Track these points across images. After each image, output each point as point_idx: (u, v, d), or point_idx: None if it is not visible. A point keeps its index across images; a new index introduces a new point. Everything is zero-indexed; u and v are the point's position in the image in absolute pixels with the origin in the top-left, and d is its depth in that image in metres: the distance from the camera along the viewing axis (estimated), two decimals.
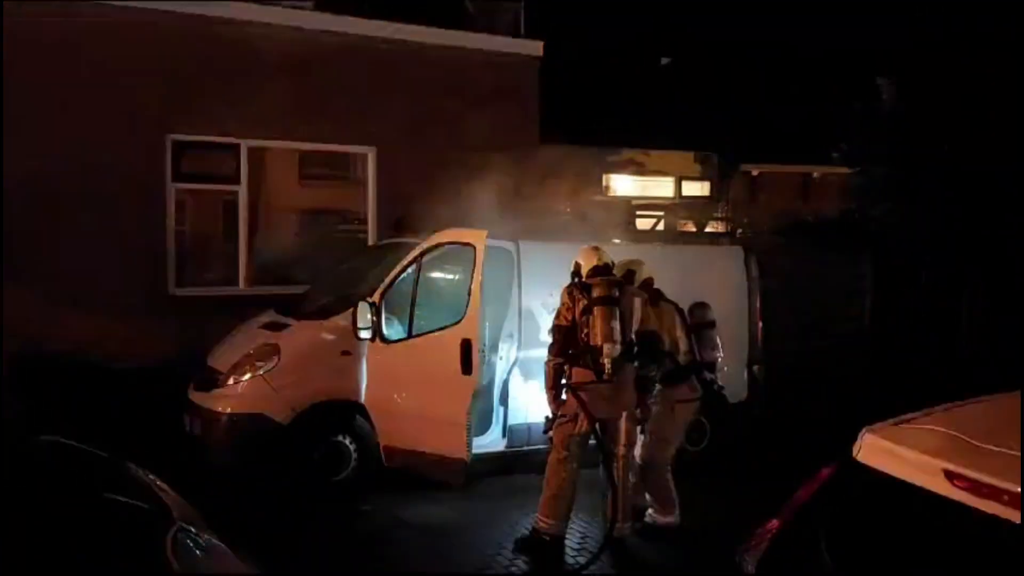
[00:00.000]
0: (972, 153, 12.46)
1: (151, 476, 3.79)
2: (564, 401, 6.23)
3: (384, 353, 7.21)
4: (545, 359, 6.38)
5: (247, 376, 7.25)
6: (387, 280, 7.31)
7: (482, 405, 7.34)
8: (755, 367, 8.83)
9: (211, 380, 7.46)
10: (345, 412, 7.30)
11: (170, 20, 10.28)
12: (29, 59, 9.61)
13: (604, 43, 19.20)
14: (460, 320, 6.96)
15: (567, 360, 6.20)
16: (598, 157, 16.44)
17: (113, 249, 9.93)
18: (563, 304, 6.25)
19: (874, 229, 13.48)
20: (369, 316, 7.06)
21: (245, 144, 10.87)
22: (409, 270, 7.29)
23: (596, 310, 6.08)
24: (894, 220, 13.19)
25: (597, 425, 6.20)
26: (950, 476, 2.78)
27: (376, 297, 7.19)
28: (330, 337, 7.35)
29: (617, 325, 6.07)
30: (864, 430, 3.29)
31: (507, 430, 7.63)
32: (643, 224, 16.33)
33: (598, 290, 6.16)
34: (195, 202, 10.77)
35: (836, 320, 13.63)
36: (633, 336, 6.28)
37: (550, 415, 6.33)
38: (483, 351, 7.02)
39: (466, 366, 6.82)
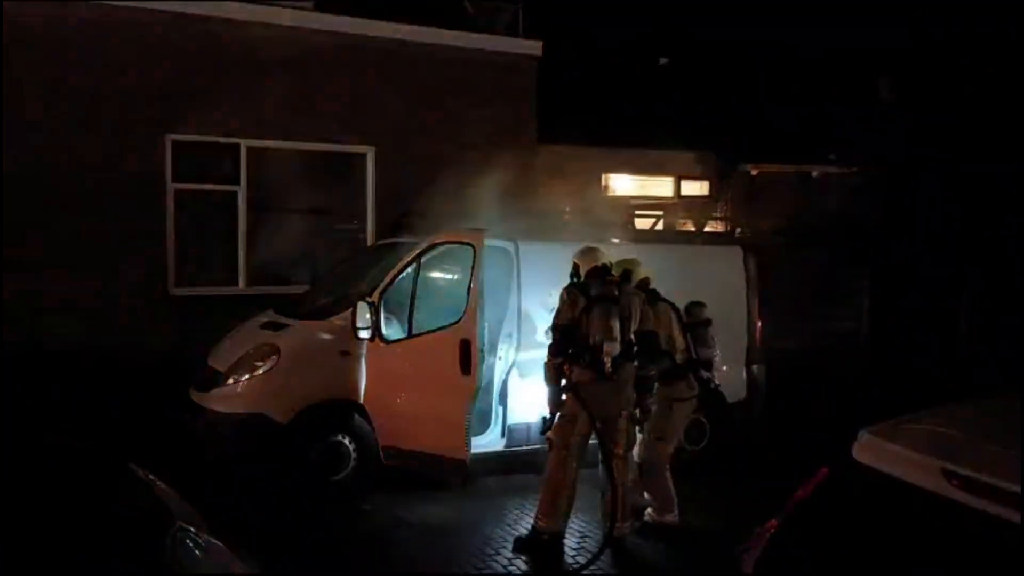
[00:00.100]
0: (972, 153, 12.47)
1: (151, 476, 3.79)
2: (564, 401, 6.24)
3: (383, 353, 7.21)
4: (545, 359, 6.38)
5: (246, 376, 7.25)
6: (386, 280, 7.31)
7: (481, 405, 7.34)
8: (754, 367, 8.83)
9: (211, 380, 7.46)
10: (344, 412, 7.30)
11: (169, 20, 10.28)
12: (29, 59, 9.61)
13: (603, 43, 19.18)
14: (459, 320, 6.95)
15: (567, 359, 6.21)
16: (597, 156, 16.43)
17: (113, 249, 9.93)
18: (562, 303, 6.26)
19: (873, 229, 13.50)
20: (368, 316, 7.05)
21: (244, 144, 10.87)
22: (408, 270, 7.29)
23: (596, 309, 6.09)
24: (893, 220, 13.21)
25: (597, 424, 6.21)
26: (949, 476, 2.78)
27: (375, 297, 7.19)
28: (329, 337, 7.35)
29: (616, 324, 6.08)
30: (863, 430, 3.29)
31: (506, 430, 7.63)
32: (642, 224, 16.34)
33: (597, 289, 6.17)
34: (195, 202, 10.76)
35: (835, 320, 13.66)
36: (632, 336, 6.29)
37: (547, 415, 6.34)
38: (482, 351, 7.02)
39: (465, 366, 6.82)
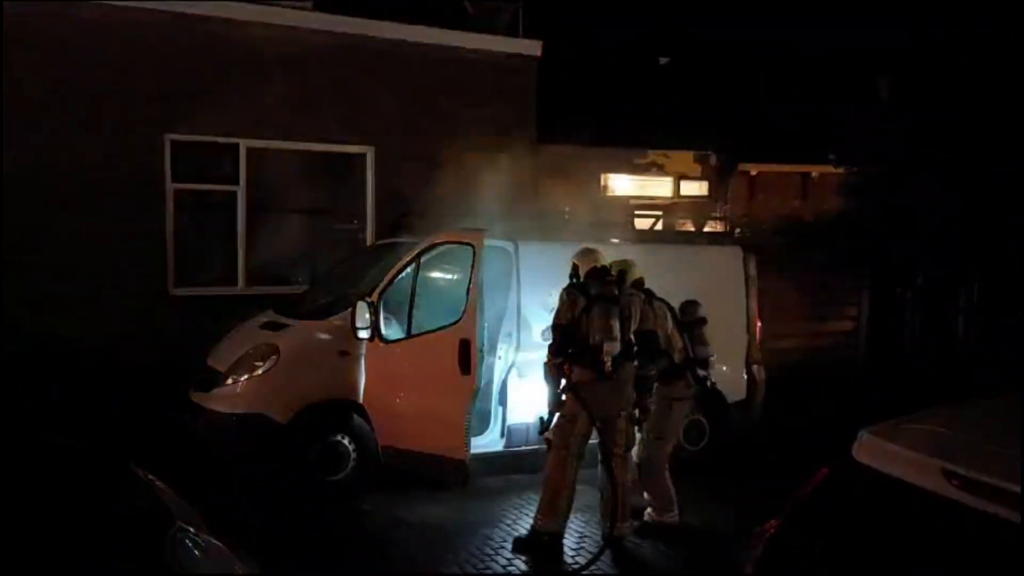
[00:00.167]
0: (972, 153, 12.47)
1: (151, 476, 3.79)
2: (564, 401, 6.24)
3: (383, 353, 7.21)
4: (544, 358, 6.39)
5: (246, 376, 7.25)
6: (386, 280, 7.31)
7: (481, 405, 7.34)
8: (754, 367, 8.83)
9: (210, 380, 7.46)
10: (344, 412, 7.30)
11: (169, 20, 10.28)
12: (29, 59, 9.61)
13: (603, 43, 19.19)
14: (459, 320, 6.96)
15: (567, 359, 6.21)
16: (597, 156, 16.45)
17: (112, 249, 9.93)
18: (562, 303, 6.27)
19: (872, 229, 13.50)
20: (368, 316, 7.05)
21: (244, 144, 10.87)
22: (408, 270, 7.29)
23: (595, 308, 6.10)
24: (893, 220, 13.21)
25: (597, 424, 6.21)
26: (949, 476, 2.78)
27: (375, 297, 7.19)
28: (329, 337, 7.34)
29: (617, 323, 6.09)
30: (863, 430, 3.29)
31: (506, 430, 7.63)
32: (642, 224, 16.35)
33: (597, 289, 6.17)
34: (194, 202, 10.76)
35: (835, 320, 13.67)
36: (632, 336, 6.29)
37: (545, 415, 6.34)
38: (482, 351, 7.02)
39: (465, 366, 6.83)
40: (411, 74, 11.60)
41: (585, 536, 6.56)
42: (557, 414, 6.28)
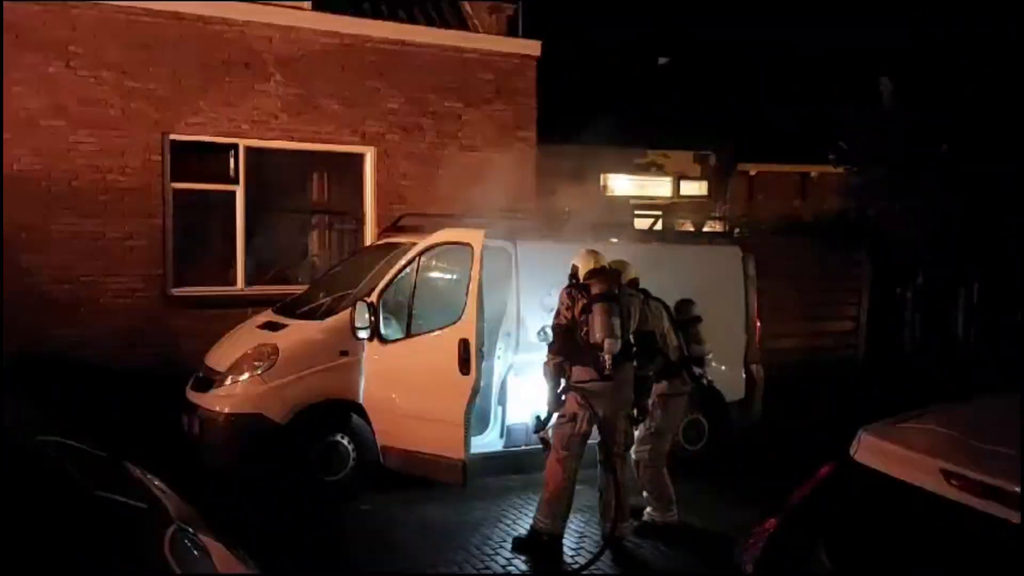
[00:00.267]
0: (972, 153, 12.46)
1: (150, 476, 3.78)
2: (563, 401, 6.24)
3: (382, 353, 7.20)
4: (544, 358, 6.39)
5: (245, 376, 7.25)
6: (385, 280, 7.31)
7: (480, 405, 7.33)
8: (753, 366, 8.83)
9: (209, 380, 7.46)
10: (343, 412, 7.29)
11: (169, 20, 10.27)
12: (28, 59, 9.60)
13: (603, 43, 19.19)
14: (458, 320, 6.95)
15: (567, 359, 6.21)
16: (597, 156, 16.44)
17: (112, 249, 9.92)
18: (562, 303, 6.27)
19: (872, 229, 13.50)
20: (367, 316, 7.05)
21: (243, 144, 10.87)
22: (407, 270, 7.29)
23: (596, 307, 6.10)
24: (892, 220, 13.20)
25: (597, 424, 6.21)
26: (948, 476, 2.78)
27: (374, 297, 7.19)
28: (328, 337, 7.34)
29: (617, 323, 6.08)
30: (862, 429, 3.29)
31: (505, 430, 7.62)
32: (641, 223, 16.35)
33: (597, 288, 6.17)
34: (193, 202, 10.75)
35: (834, 320, 13.67)
36: (631, 336, 6.29)
37: (541, 414, 6.35)
38: (481, 351, 7.01)
39: (464, 366, 6.82)
40: (411, 74, 11.59)
41: (585, 536, 6.56)
42: (556, 414, 6.28)
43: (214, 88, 10.43)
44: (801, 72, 19.02)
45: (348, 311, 7.11)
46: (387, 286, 7.27)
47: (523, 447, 7.54)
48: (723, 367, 8.31)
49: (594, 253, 6.56)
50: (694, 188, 19.18)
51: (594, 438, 6.36)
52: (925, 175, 12.85)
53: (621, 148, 17.30)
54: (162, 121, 10.31)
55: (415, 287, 7.27)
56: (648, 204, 18.35)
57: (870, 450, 3.15)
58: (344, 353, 7.24)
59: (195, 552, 3.15)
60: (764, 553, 3.29)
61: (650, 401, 6.63)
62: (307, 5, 11.28)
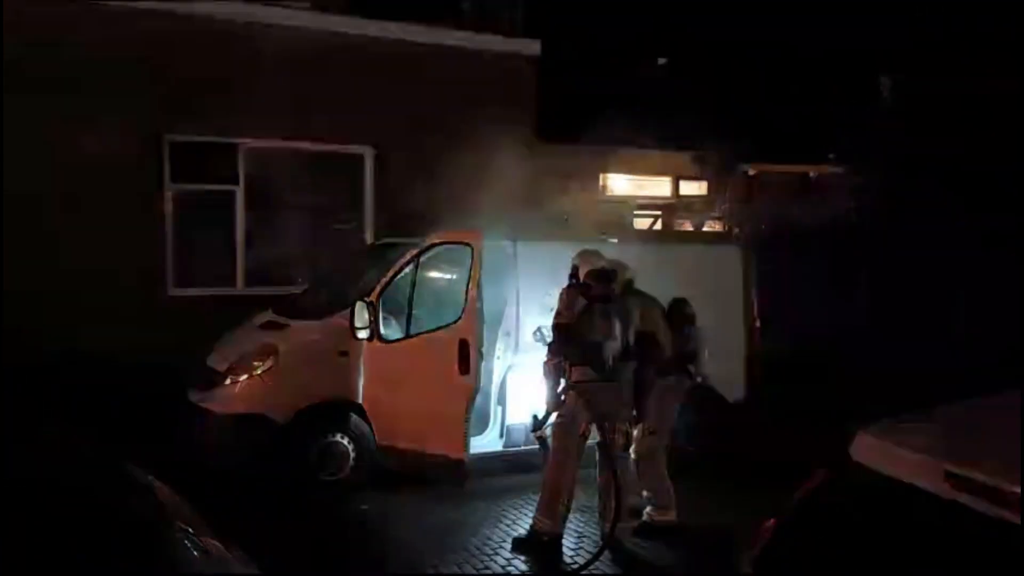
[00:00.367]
0: (972, 153, 12.47)
1: (150, 477, 3.78)
2: (563, 401, 6.25)
3: (382, 353, 7.20)
4: (544, 358, 6.39)
5: (245, 376, 7.25)
6: (385, 280, 7.31)
7: (480, 405, 7.34)
8: (752, 366, 8.82)
9: (209, 380, 7.45)
10: (343, 412, 7.30)
11: (168, 20, 10.27)
12: (28, 59, 9.60)
13: (603, 43, 19.18)
14: (458, 320, 6.96)
15: (567, 359, 6.21)
16: (596, 156, 16.44)
17: (112, 249, 9.91)
18: (562, 303, 6.27)
19: (873, 229, 13.50)
20: (367, 316, 7.06)
21: (242, 144, 10.87)
22: (407, 270, 7.30)
23: (596, 308, 6.11)
24: (893, 220, 13.21)
25: (597, 424, 6.21)
26: (948, 476, 2.78)
27: (374, 297, 7.19)
28: (328, 337, 7.34)
29: (617, 323, 6.10)
30: (862, 430, 3.29)
31: (505, 430, 7.63)
32: (641, 223, 16.35)
33: (597, 289, 6.18)
34: (193, 202, 10.75)
35: (834, 320, 13.65)
36: (631, 337, 6.30)
37: (538, 413, 6.35)
38: (480, 351, 7.01)
39: (464, 366, 6.83)
40: (410, 74, 11.58)
41: (584, 536, 6.55)
42: (556, 414, 6.29)
43: (214, 88, 10.43)
44: (801, 72, 19.02)
45: (348, 311, 7.11)
46: (387, 286, 7.28)
47: (522, 447, 7.55)
48: (723, 367, 8.30)
49: (595, 254, 6.57)
50: (694, 188, 19.16)
51: (594, 438, 6.37)
52: (925, 175, 12.86)
53: (621, 148, 17.28)
54: (162, 122, 10.31)
55: (415, 287, 7.28)
56: (648, 204, 18.33)
57: (870, 450, 3.14)
58: (344, 353, 7.24)
59: (195, 553, 3.14)
60: (764, 553, 3.29)
61: (648, 403, 6.64)
62: (307, 4, 11.28)
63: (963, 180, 12.48)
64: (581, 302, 6.19)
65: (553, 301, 6.46)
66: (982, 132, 12.35)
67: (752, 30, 19.14)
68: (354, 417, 7.30)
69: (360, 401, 7.30)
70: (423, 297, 7.35)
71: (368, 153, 11.62)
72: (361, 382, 7.29)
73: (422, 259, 7.33)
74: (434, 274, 7.82)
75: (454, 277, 7.72)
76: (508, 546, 6.31)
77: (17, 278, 9.28)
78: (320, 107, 11.06)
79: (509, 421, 7.59)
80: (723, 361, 8.33)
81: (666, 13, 18.94)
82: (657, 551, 6.41)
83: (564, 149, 14.36)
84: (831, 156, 15.02)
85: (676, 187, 18.98)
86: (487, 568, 6.00)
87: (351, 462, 7.29)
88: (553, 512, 6.23)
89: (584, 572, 5.93)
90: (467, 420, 6.89)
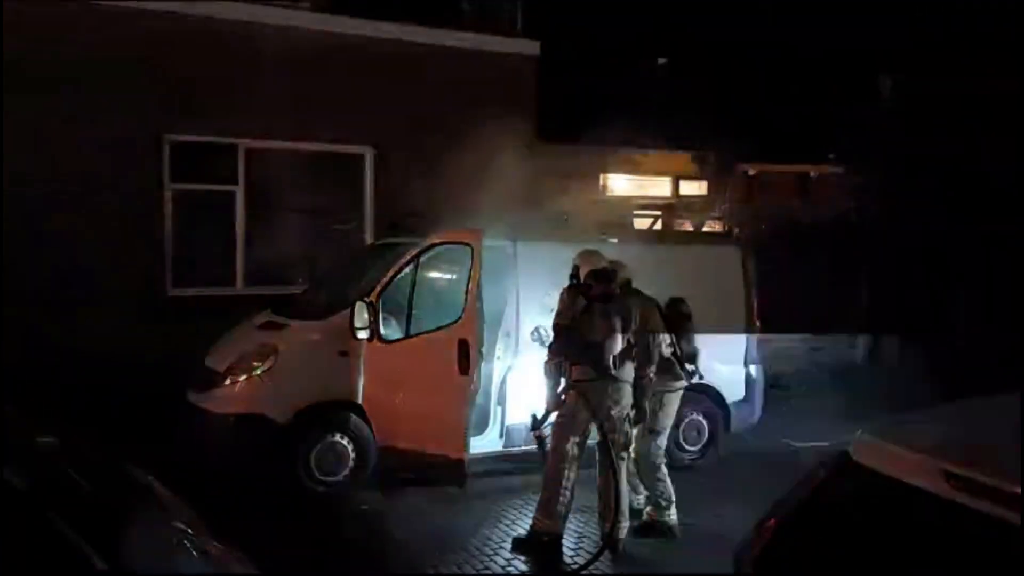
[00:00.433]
0: (972, 153, 12.47)
1: (150, 477, 3.78)
2: (563, 401, 6.25)
3: (381, 353, 7.20)
4: (544, 358, 6.39)
5: (244, 376, 7.25)
6: (384, 280, 7.31)
7: (479, 405, 7.33)
8: (753, 366, 8.82)
9: (208, 381, 7.45)
10: (342, 412, 7.29)
11: (168, 20, 10.26)
12: (27, 59, 9.59)
13: (603, 43, 19.18)
14: (457, 320, 6.96)
15: (568, 358, 6.21)
16: (596, 156, 16.44)
17: (111, 249, 9.91)
18: (563, 303, 6.27)
19: (871, 228, 13.51)
20: (366, 316, 7.05)
21: (242, 145, 10.86)
22: (406, 270, 7.29)
23: (597, 308, 6.11)
24: (893, 219, 13.21)
25: (598, 423, 6.21)
26: (948, 476, 2.77)
27: (373, 297, 7.19)
28: (327, 337, 7.34)
29: (618, 323, 6.10)
30: (862, 430, 3.28)
31: (504, 430, 7.62)
32: (641, 223, 16.34)
33: (598, 289, 6.18)
34: (192, 202, 10.75)
35: (833, 319, 13.66)
36: (631, 337, 6.30)
37: (537, 413, 6.35)
38: (480, 351, 7.01)
39: (463, 366, 6.82)
40: (410, 74, 11.58)
41: (584, 536, 6.55)
42: (555, 413, 6.29)
43: (214, 89, 10.43)
44: (801, 72, 19.01)
45: (348, 311, 7.10)
46: (387, 286, 7.27)
47: (522, 447, 7.54)
48: (723, 367, 8.30)
49: (595, 254, 6.57)
50: (694, 188, 19.17)
51: (594, 438, 6.36)
52: (925, 175, 12.86)
53: (621, 148, 17.29)
54: (162, 122, 10.31)
55: (415, 287, 7.27)
56: (647, 204, 18.33)
57: (870, 450, 3.14)
58: (344, 353, 7.24)
59: (195, 554, 3.14)
60: (764, 553, 3.28)
61: (648, 402, 6.63)
62: (307, 5, 11.28)
63: (963, 180, 12.47)
64: (582, 302, 6.18)
65: (553, 301, 6.46)
66: (982, 132, 12.34)
67: (752, 30, 19.13)
68: (354, 417, 7.30)
69: (360, 401, 7.29)
70: (423, 297, 7.35)
71: (368, 153, 11.62)
72: (361, 382, 7.28)
73: (422, 259, 7.33)
74: (434, 274, 7.81)
75: (454, 277, 7.72)
76: (508, 546, 6.31)
77: (17, 278, 9.27)
78: (320, 107, 11.05)
79: (509, 421, 7.58)
80: (723, 361, 8.35)
81: (666, 13, 18.94)
82: (657, 551, 6.40)
83: (564, 149, 14.36)
84: (831, 156, 15.01)
85: (676, 187, 18.98)
86: (487, 568, 5.99)
87: (351, 462, 7.28)
88: (553, 512, 6.23)
89: (584, 572, 5.93)
90: (467, 420, 6.88)
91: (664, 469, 6.75)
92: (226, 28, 10.63)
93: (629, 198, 18.24)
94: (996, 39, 12.49)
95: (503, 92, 12.11)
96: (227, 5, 10.61)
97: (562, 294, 6.33)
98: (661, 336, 6.82)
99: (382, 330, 7.20)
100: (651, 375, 6.52)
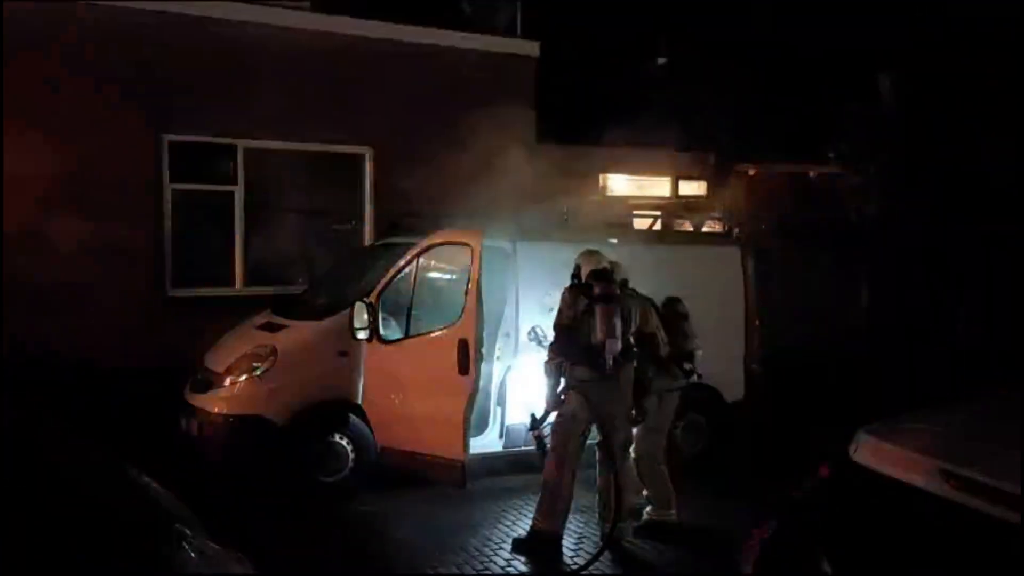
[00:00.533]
0: (972, 153, 12.47)
1: (148, 478, 3.78)
2: (563, 401, 6.24)
3: (381, 353, 7.19)
4: (545, 358, 6.39)
5: (243, 377, 7.24)
6: (384, 280, 7.30)
7: (479, 405, 7.33)
8: (753, 367, 8.81)
9: (207, 381, 7.45)
10: (342, 412, 7.29)
11: (167, 20, 10.27)
12: (26, 60, 9.59)
13: (602, 43, 19.17)
14: (457, 320, 6.95)
15: (568, 358, 6.21)
16: (595, 156, 16.43)
17: (111, 250, 9.91)
18: (563, 303, 6.27)
19: (871, 228, 13.50)
20: (366, 316, 7.05)
21: (241, 145, 10.86)
22: (406, 270, 7.29)
23: (598, 308, 6.11)
24: (893, 219, 13.20)
25: (598, 423, 6.21)
26: (948, 476, 2.77)
27: (373, 297, 7.18)
28: (327, 338, 7.33)
29: (619, 323, 6.10)
30: (862, 430, 3.28)
31: (504, 430, 7.61)
32: (640, 223, 16.31)
33: (599, 288, 6.18)
34: (192, 203, 10.74)
35: (833, 319, 13.65)
36: (632, 337, 6.30)
37: (536, 413, 6.35)
38: (480, 351, 7.01)
39: (463, 366, 6.82)
40: (410, 74, 11.58)
41: (584, 536, 6.55)
42: (555, 413, 6.28)
43: (213, 89, 10.43)
44: (801, 72, 19.00)
45: (347, 311, 7.10)
46: (386, 286, 7.27)
47: (522, 447, 7.54)
48: (723, 367, 8.29)
49: (596, 253, 6.56)
50: (693, 188, 19.14)
51: (594, 438, 6.36)
52: (925, 175, 12.86)
53: (620, 148, 17.28)
54: (161, 122, 10.31)
55: (414, 287, 7.27)
56: (647, 204, 18.30)
57: (870, 450, 3.14)
58: (343, 354, 7.24)
59: (193, 555, 3.14)
60: (764, 554, 3.28)
61: (648, 402, 6.63)
62: (306, 5, 11.28)
63: (963, 180, 12.47)
64: (583, 302, 6.18)
65: (553, 301, 6.46)
66: (982, 132, 12.33)
67: (752, 30, 19.13)
68: (353, 418, 7.30)
69: (359, 402, 7.29)
70: (423, 297, 7.34)
71: (367, 153, 11.61)
72: (360, 383, 7.28)
73: (421, 259, 7.32)
74: (434, 274, 7.81)
75: (454, 277, 7.71)
76: (508, 546, 6.31)
77: (17, 278, 9.26)
78: (319, 107, 11.05)
79: (509, 421, 7.57)
80: (723, 361, 8.34)
81: (666, 13, 18.94)
82: (657, 551, 6.40)
83: (564, 149, 14.34)
84: (831, 156, 14.99)
85: (676, 187, 18.96)
86: (487, 568, 5.99)
87: (351, 463, 7.28)
88: (553, 512, 6.23)
89: (584, 572, 5.93)
90: (467, 420, 6.88)
91: (664, 469, 6.75)
92: (225, 28, 10.62)
93: (629, 198, 18.21)
94: (996, 39, 12.48)
95: (503, 92, 12.10)
96: (227, 5, 10.60)
97: (564, 294, 6.33)
98: (659, 335, 6.83)
99: (381, 330, 7.19)
100: (650, 375, 6.53)
